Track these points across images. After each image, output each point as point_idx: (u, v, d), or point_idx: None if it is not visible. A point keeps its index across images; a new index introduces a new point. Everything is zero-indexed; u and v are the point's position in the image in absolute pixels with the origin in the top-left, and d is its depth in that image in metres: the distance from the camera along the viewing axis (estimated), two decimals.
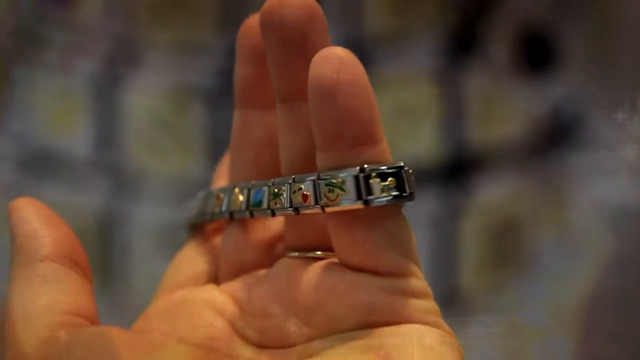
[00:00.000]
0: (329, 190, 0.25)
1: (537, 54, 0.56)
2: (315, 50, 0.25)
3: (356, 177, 0.25)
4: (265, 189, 0.27)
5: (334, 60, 0.24)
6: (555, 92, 0.56)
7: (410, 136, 0.53)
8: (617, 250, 0.53)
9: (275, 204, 0.26)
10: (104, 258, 0.54)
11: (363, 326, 0.25)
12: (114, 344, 0.25)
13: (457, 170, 0.54)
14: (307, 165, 0.26)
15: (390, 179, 0.25)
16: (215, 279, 0.29)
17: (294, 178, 0.26)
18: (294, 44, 0.25)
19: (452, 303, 0.53)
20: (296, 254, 0.27)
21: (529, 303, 0.54)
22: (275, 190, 0.26)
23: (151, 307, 0.29)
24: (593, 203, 0.55)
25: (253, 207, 0.27)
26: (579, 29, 0.56)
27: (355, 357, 0.25)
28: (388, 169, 0.25)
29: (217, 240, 0.31)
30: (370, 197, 0.25)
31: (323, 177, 0.25)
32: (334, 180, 0.25)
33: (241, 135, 0.29)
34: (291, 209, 0.26)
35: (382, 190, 0.25)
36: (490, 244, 0.55)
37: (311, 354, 0.26)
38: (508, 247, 0.55)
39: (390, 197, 0.25)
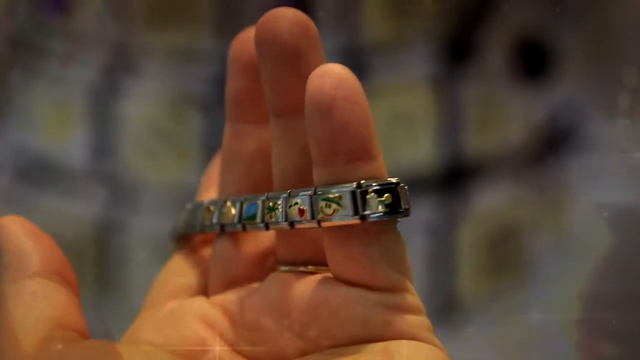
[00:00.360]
0: (326, 205, 0.25)
1: (533, 61, 0.56)
2: (309, 66, 0.25)
3: (353, 193, 0.25)
4: (259, 202, 0.27)
5: (331, 77, 0.24)
6: (552, 98, 0.56)
7: (408, 143, 0.53)
8: (615, 254, 0.53)
9: (270, 217, 0.26)
10: (101, 266, 0.54)
11: (357, 340, 0.25)
12: (106, 357, 0.25)
13: (455, 177, 0.54)
14: (300, 180, 0.27)
15: (386, 194, 0.25)
16: (204, 291, 0.29)
17: (289, 192, 0.26)
18: (288, 59, 0.26)
19: (450, 310, 0.53)
20: (287, 268, 0.27)
21: (527, 309, 0.54)
22: (270, 204, 0.26)
23: (140, 319, 0.29)
24: (591, 208, 0.55)
25: (246, 221, 0.27)
26: (576, 35, 0.56)
27: None
28: (384, 185, 0.25)
29: (206, 252, 0.31)
30: (366, 213, 0.25)
31: (319, 192, 0.25)
32: (330, 195, 0.25)
33: (232, 148, 0.29)
34: (286, 223, 0.26)
35: (379, 206, 0.25)
36: (488, 251, 0.55)
37: None
38: (506, 253, 0.55)
39: (386, 213, 0.25)
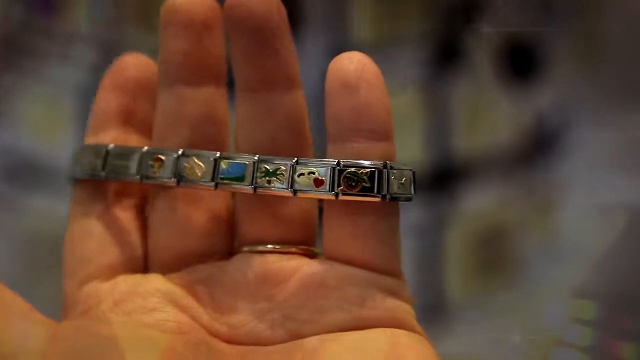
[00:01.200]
0: (350, 180, 0.25)
1: (522, 63, 0.56)
2: (281, 42, 0.26)
3: (380, 172, 0.25)
4: (249, 163, 0.26)
5: (357, 61, 0.26)
6: (540, 100, 0.57)
7: (396, 145, 0.53)
8: (604, 255, 0.53)
9: (269, 182, 0.26)
10: None
11: (352, 322, 0.25)
12: (98, 336, 0.25)
13: (443, 179, 0.54)
14: (276, 155, 0.26)
15: (405, 178, 0.26)
16: (145, 264, 0.28)
17: (297, 160, 0.26)
18: (263, 34, 0.26)
19: (439, 312, 0.54)
20: (254, 247, 0.27)
21: (516, 310, 0.54)
22: (267, 167, 0.26)
23: (86, 295, 0.27)
24: (580, 209, 0.56)
25: (228, 181, 0.26)
26: (565, 38, 0.56)
27: (346, 358, 0.25)
28: (405, 169, 0.26)
29: (120, 211, 0.29)
30: (386, 193, 0.25)
31: (346, 166, 0.25)
32: (357, 171, 0.25)
33: (175, 112, 0.28)
34: (291, 190, 0.26)
35: (398, 188, 0.26)
36: (477, 252, 0.55)
37: (296, 352, 0.25)
38: (495, 255, 0.55)
39: (404, 196, 0.26)
